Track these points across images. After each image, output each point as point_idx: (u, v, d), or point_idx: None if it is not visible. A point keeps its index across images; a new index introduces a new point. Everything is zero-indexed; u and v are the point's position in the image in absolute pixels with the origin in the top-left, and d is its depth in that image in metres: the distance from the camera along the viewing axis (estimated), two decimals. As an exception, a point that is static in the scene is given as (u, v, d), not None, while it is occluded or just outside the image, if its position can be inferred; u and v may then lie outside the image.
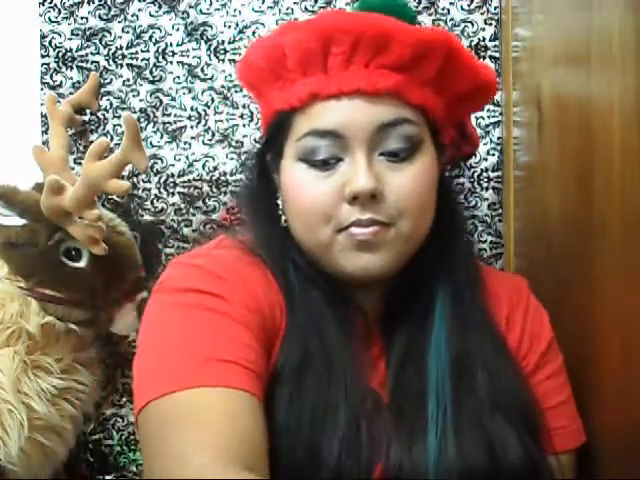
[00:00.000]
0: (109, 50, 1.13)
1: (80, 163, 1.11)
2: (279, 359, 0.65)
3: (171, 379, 0.58)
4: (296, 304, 0.68)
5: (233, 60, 1.11)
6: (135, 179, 1.13)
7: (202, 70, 1.13)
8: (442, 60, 0.66)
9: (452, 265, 0.73)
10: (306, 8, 1.12)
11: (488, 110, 1.10)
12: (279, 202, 0.74)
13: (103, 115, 1.14)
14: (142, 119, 1.13)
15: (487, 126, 1.10)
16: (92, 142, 1.09)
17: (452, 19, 1.10)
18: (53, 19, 1.13)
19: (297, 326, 0.67)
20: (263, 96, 0.74)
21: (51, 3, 1.13)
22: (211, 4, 1.13)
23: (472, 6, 1.10)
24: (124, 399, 1.12)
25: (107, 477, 1.10)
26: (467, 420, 0.66)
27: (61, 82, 1.14)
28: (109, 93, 1.14)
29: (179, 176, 1.13)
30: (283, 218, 0.73)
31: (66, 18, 1.13)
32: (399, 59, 0.65)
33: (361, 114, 0.65)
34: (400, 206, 0.65)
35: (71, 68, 1.14)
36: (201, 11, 1.13)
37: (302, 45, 0.65)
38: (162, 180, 1.13)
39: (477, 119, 1.09)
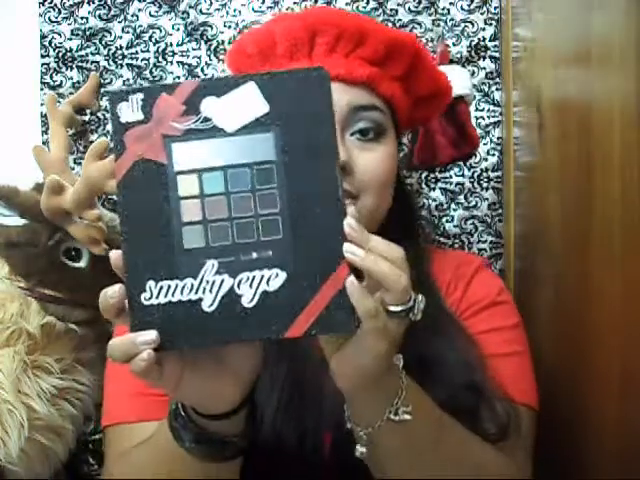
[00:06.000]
0: (109, 50, 1.13)
1: (80, 163, 1.11)
2: None
3: (108, 413, 0.74)
4: None
5: (233, 60, 1.11)
6: (135, 179, 1.13)
7: (202, 70, 1.13)
8: (411, 59, 0.75)
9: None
10: (306, 8, 1.12)
11: (488, 110, 1.10)
12: None
13: (103, 115, 1.14)
14: (142, 119, 1.13)
15: (487, 126, 1.10)
16: (92, 142, 1.09)
17: (452, 19, 1.10)
18: (53, 19, 1.13)
19: None
20: None
21: (51, 3, 1.13)
22: (211, 4, 1.13)
23: (472, 6, 1.10)
24: (124, 399, 1.12)
25: (107, 477, 1.10)
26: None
27: (61, 82, 1.14)
28: (108, 98, 1.13)
29: (179, 176, 1.13)
30: None
31: (66, 18, 1.13)
32: (375, 53, 0.73)
33: (338, 97, 0.71)
34: (365, 180, 0.72)
35: (71, 68, 1.14)
36: (201, 11, 1.13)
37: (292, 34, 0.74)
38: (162, 180, 1.13)
39: (477, 119, 1.09)
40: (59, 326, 0.94)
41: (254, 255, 0.50)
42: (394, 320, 0.51)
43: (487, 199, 1.11)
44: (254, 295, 0.50)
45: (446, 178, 1.11)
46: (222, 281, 0.50)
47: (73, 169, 1.10)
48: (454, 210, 1.11)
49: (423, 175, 1.11)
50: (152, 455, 0.63)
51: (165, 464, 0.61)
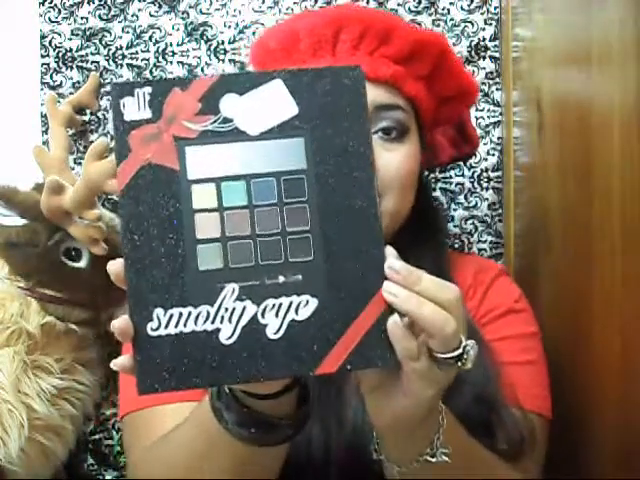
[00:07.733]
0: (109, 50, 1.13)
1: (80, 163, 1.11)
2: None
3: (129, 400, 0.72)
4: None
5: (233, 60, 1.11)
6: (135, 179, 1.13)
7: (202, 70, 1.13)
8: (436, 58, 0.74)
9: (421, 248, 0.78)
10: (306, 8, 1.12)
11: (488, 110, 1.10)
12: None
13: (103, 115, 1.14)
14: (142, 119, 1.13)
15: (487, 126, 1.10)
16: (92, 142, 1.09)
17: (452, 19, 1.10)
18: (53, 19, 1.13)
19: None
20: None
21: (51, 3, 1.13)
22: (211, 4, 1.13)
23: (472, 6, 1.10)
24: (124, 399, 1.12)
25: (107, 477, 1.10)
26: None
27: (61, 82, 1.14)
28: (109, 93, 1.13)
29: (179, 176, 1.13)
30: None
31: (66, 18, 1.13)
32: (399, 52, 0.72)
33: None
34: (386, 180, 0.71)
35: (71, 68, 1.14)
36: (201, 11, 1.13)
37: (315, 30, 0.73)
38: (162, 180, 1.13)
39: (477, 119, 1.09)
40: (59, 326, 0.94)
41: (281, 279, 0.44)
42: (441, 367, 0.46)
43: (487, 199, 1.11)
44: (281, 325, 0.43)
45: (446, 178, 1.11)
46: (244, 308, 0.43)
47: (73, 169, 1.10)
48: (454, 210, 1.11)
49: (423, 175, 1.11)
50: (186, 439, 0.59)
51: (200, 447, 0.57)
